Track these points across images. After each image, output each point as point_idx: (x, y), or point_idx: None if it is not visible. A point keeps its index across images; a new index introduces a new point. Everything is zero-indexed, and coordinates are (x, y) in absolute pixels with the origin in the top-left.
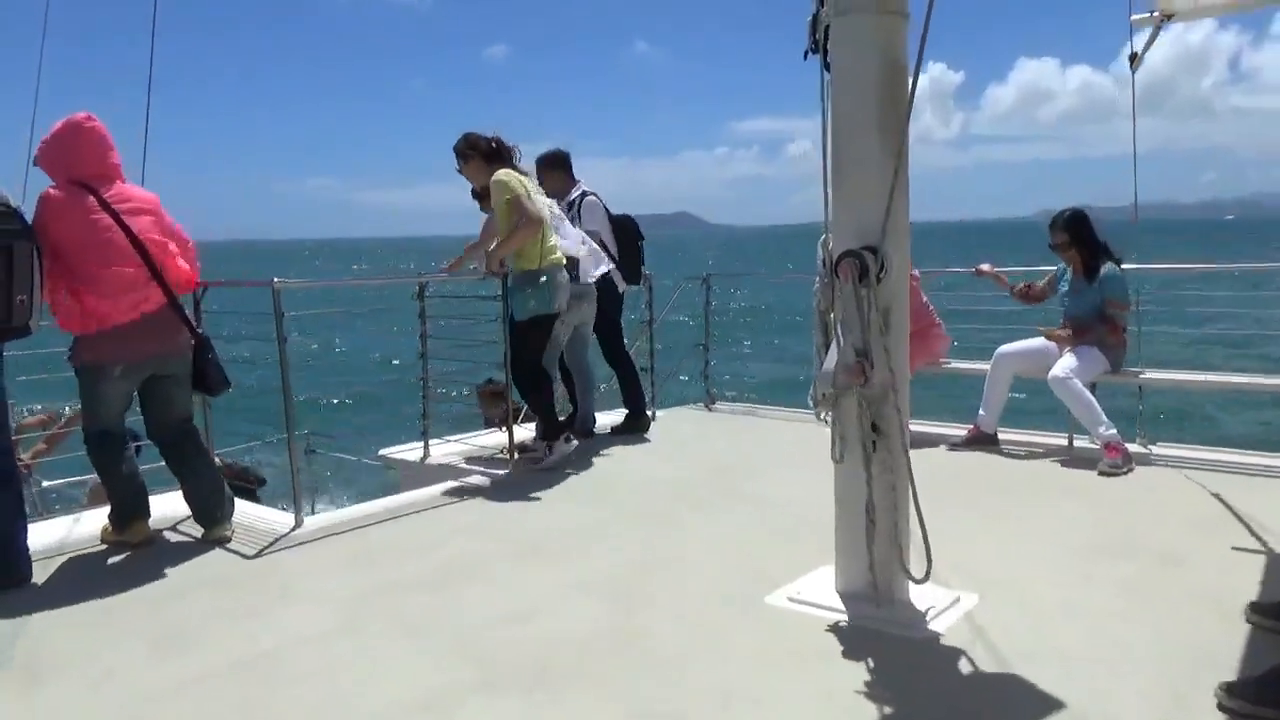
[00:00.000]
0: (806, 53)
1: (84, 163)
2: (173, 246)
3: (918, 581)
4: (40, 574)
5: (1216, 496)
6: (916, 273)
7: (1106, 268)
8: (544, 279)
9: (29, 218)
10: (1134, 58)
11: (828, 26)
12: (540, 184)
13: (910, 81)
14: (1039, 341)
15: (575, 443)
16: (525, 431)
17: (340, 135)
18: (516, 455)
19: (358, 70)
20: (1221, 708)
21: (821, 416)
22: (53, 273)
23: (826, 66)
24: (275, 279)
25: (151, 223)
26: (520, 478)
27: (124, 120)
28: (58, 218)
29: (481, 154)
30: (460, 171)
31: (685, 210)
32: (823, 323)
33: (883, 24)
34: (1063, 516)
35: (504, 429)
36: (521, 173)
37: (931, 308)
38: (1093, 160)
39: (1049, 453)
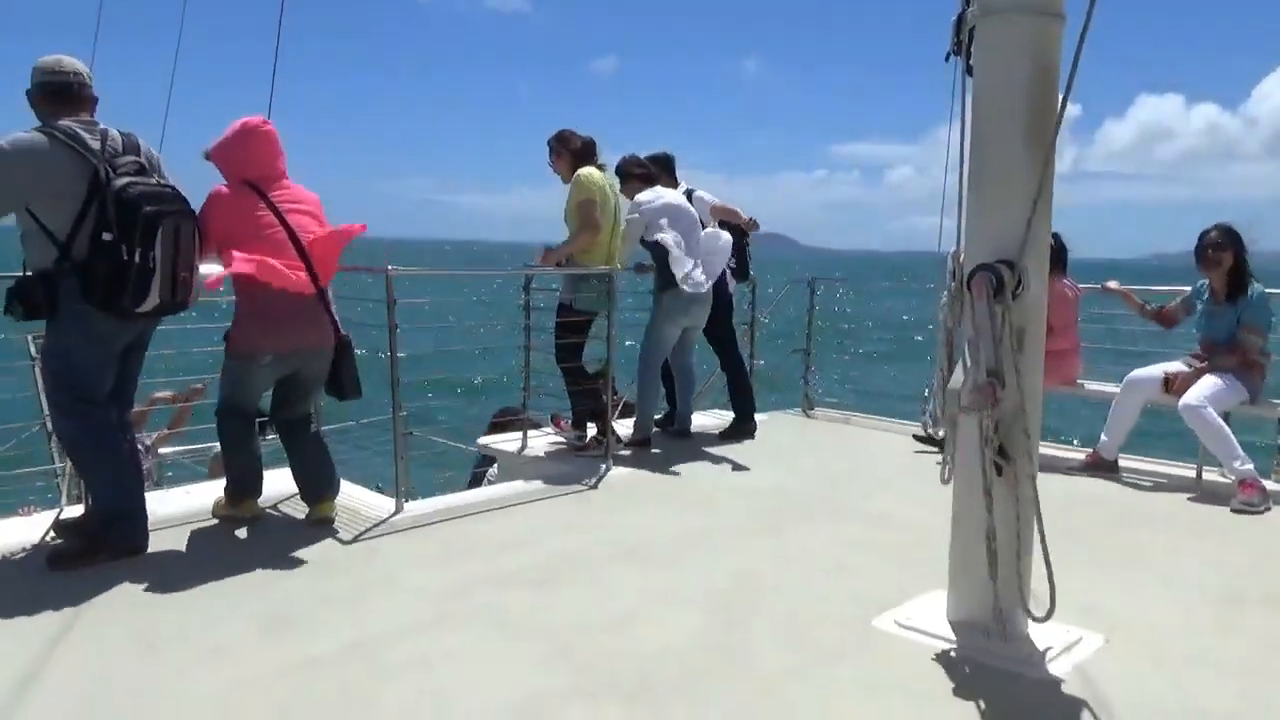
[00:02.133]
0: (949, 54)
1: (254, 165)
2: (330, 253)
3: (1038, 620)
4: (156, 543)
5: None
6: (1077, 286)
7: (1254, 289)
8: (607, 279)
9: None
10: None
11: (973, 28)
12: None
13: (1063, 88)
14: (1174, 367)
15: (592, 437)
16: (624, 427)
17: (442, 138)
18: (598, 444)
19: (465, 75)
20: None
21: (937, 434)
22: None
23: (969, 70)
24: (390, 266)
25: (310, 221)
26: (619, 474)
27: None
28: (226, 214)
29: (572, 151)
30: (551, 167)
31: (779, 231)
32: (947, 339)
33: (1035, 25)
34: (1193, 556)
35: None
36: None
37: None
38: (1213, 204)
39: (1175, 485)
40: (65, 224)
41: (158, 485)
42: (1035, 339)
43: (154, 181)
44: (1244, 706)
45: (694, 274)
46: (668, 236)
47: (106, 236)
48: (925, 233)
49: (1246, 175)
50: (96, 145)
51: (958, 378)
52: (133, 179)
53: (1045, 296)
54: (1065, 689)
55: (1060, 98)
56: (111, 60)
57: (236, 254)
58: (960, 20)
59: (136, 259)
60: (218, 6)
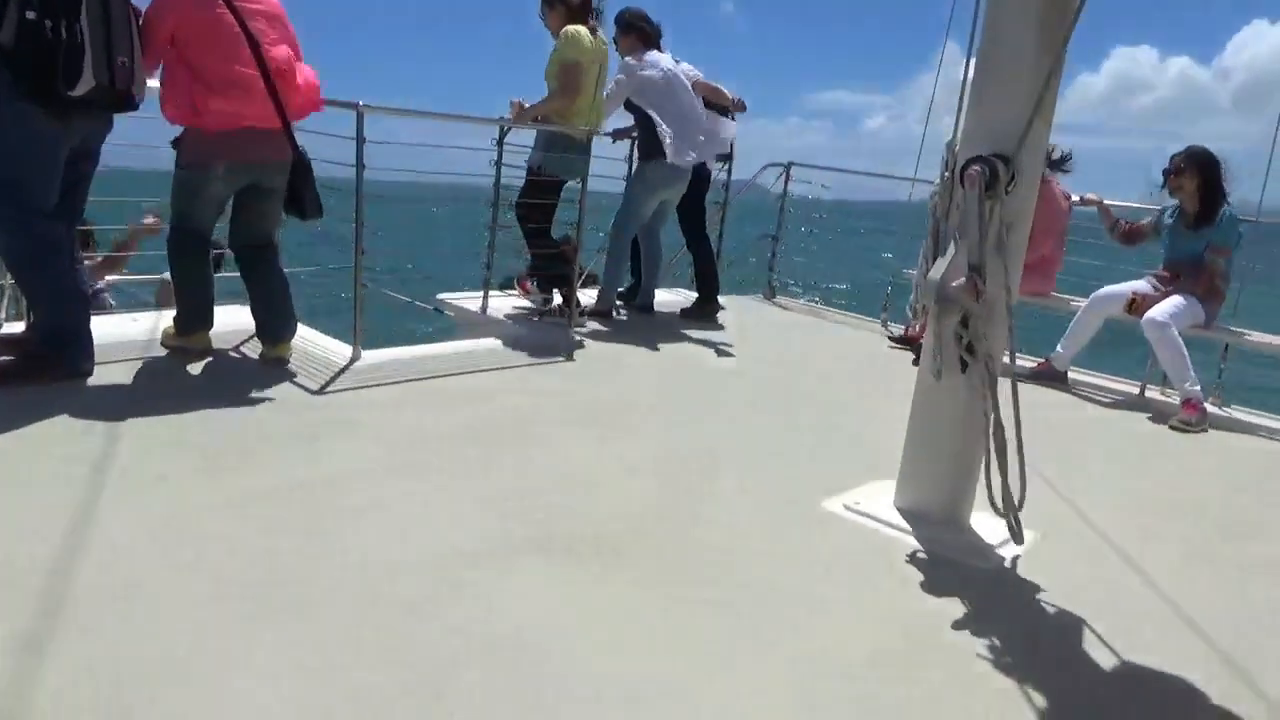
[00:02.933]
0: None
1: None
2: (290, 60)
3: (1000, 515)
4: (102, 373)
5: None
6: (1074, 196)
7: (1224, 212)
8: (583, 144)
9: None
10: None
11: None
12: (617, 48)
13: None
14: (1142, 285)
15: (556, 304)
16: (586, 296)
17: (429, 78)
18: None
19: (443, 14)
20: None
21: (916, 326)
22: (169, 63)
23: None
24: (360, 101)
25: (274, 31)
26: (580, 342)
27: None
28: (179, 6)
29: (567, 4)
30: (542, 19)
31: (747, 178)
32: (935, 230)
33: None
34: (1129, 466)
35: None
36: (600, 41)
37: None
38: None
39: (1120, 399)
40: None
41: (102, 310)
42: (1020, 237)
43: None
44: (1166, 604)
45: (685, 153)
46: (665, 130)
47: (30, 15)
48: (899, 183)
49: (1219, 129)
50: None
51: (938, 270)
52: None
53: (1035, 195)
54: (1002, 578)
55: None
56: None
57: (196, 100)
58: None
59: (63, 34)
60: None
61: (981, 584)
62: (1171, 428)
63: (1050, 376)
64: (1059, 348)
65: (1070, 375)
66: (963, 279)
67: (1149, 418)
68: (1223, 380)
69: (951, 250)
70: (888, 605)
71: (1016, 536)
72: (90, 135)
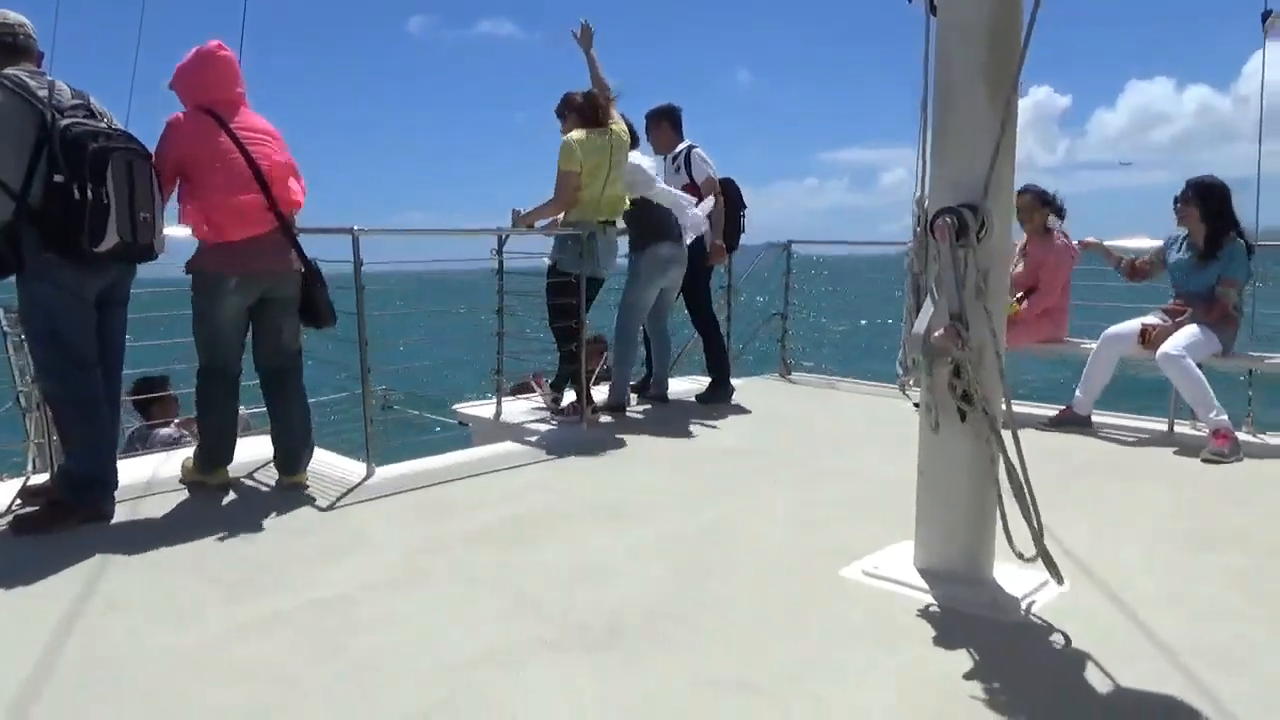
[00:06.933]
0: None
1: (211, 88)
2: (290, 178)
3: (1028, 560)
4: (123, 512)
5: None
6: (1076, 244)
7: (1233, 243)
8: (585, 239)
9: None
10: (1267, 15)
11: None
12: (647, 137)
13: (1025, 28)
14: (1151, 319)
15: (569, 403)
16: (600, 392)
17: (444, 169)
18: (587, 411)
19: (466, 105)
20: None
21: (909, 383)
22: (181, 191)
23: (933, 9)
24: (355, 225)
25: (270, 152)
26: (594, 438)
27: None
28: (183, 141)
29: (575, 110)
30: (563, 134)
31: (774, 241)
32: (915, 286)
33: None
34: (1161, 503)
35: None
36: (613, 132)
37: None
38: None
39: (1147, 437)
40: (19, 173)
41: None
42: (1000, 282)
43: (103, 124)
44: (1204, 639)
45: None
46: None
47: (58, 179)
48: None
49: (1244, 154)
50: (44, 93)
51: (922, 322)
52: (78, 120)
53: (1009, 239)
54: (1030, 631)
55: (1023, 37)
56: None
57: (190, 214)
58: None
59: (89, 196)
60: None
61: (1006, 638)
62: (1204, 460)
63: (1072, 422)
64: (1078, 392)
65: (1095, 418)
66: (945, 328)
67: (1180, 453)
68: (1253, 407)
69: (931, 302)
70: (911, 670)
71: (1056, 576)
72: (115, 283)
